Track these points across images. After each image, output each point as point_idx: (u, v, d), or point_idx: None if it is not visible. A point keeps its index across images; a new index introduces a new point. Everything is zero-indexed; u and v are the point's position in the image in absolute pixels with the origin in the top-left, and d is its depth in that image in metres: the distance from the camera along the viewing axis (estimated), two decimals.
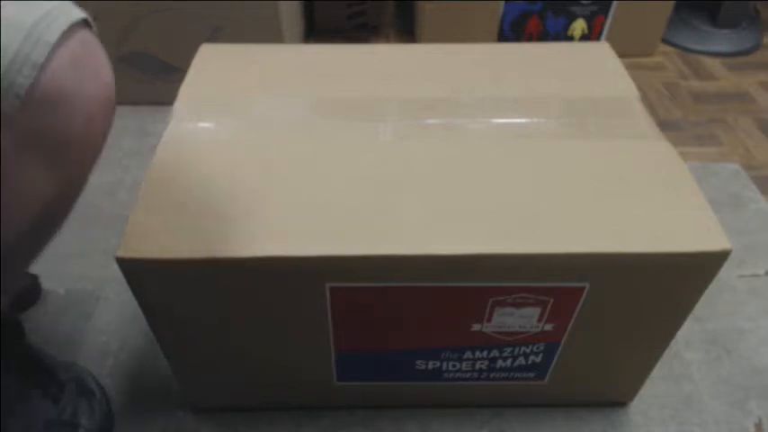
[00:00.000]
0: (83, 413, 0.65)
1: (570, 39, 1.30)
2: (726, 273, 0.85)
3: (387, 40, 1.41)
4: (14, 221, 0.45)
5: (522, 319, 0.57)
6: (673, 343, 0.65)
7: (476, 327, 0.58)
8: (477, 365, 0.63)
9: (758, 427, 0.70)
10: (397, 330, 0.59)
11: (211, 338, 0.60)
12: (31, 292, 0.80)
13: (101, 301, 0.81)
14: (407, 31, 1.42)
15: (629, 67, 0.71)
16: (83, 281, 0.84)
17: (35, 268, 0.69)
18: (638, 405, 0.71)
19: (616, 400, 0.71)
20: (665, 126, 1.15)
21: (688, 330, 0.79)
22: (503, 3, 1.23)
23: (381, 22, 1.44)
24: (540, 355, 0.62)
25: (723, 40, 1.39)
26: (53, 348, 0.71)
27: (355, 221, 0.52)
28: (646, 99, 1.18)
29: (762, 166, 1.08)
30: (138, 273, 0.52)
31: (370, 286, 0.53)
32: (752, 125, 1.18)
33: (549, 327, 0.58)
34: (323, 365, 0.63)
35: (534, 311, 0.56)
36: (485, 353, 0.62)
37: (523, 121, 0.63)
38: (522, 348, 0.61)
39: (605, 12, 1.26)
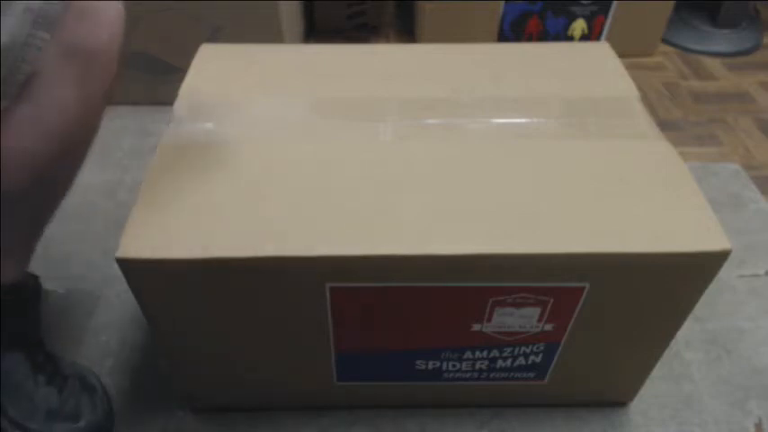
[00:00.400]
0: (85, 407, 0.65)
1: (570, 39, 1.30)
2: (726, 273, 0.85)
3: (387, 40, 1.41)
4: (44, 144, 0.50)
5: (522, 319, 0.57)
6: (673, 343, 0.65)
7: (476, 327, 0.58)
8: (477, 365, 0.63)
9: (758, 427, 0.70)
10: (397, 330, 0.59)
11: (211, 338, 0.60)
12: (32, 293, 0.80)
13: (101, 301, 0.81)
14: (407, 31, 1.42)
15: (629, 67, 0.71)
16: (83, 281, 0.84)
17: (35, 268, 0.69)
18: (638, 405, 0.71)
19: (616, 400, 0.71)
20: (665, 126, 1.15)
21: (688, 330, 0.79)
22: (503, 3, 1.23)
23: (381, 22, 1.44)
24: (540, 355, 0.62)
25: (723, 40, 1.39)
26: (54, 348, 0.71)
27: (355, 221, 0.52)
28: (646, 99, 1.18)
29: (762, 166, 1.08)
30: (138, 273, 0.52)
31: (370, 286, 0.53)
32: (752, 125, 1.18)
33: (549, 327, 0.58)
34: (323, 365, 0.63)
35: (534, 311, 0.56)
36: (485, 353, 0.62)
37: (523, 121, 0.63)
38: (522, 348, 0.61)
39: (605, 12, 1.26)
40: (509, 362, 0.63)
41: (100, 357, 0.75)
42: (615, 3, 1.25)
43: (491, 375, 0.65)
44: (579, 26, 1.28)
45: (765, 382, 0.74)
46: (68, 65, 0.49)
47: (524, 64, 0.71)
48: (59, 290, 0.82)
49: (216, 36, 1.06)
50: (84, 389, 0.67)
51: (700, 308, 0.60)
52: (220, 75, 0.68)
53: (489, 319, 0.57)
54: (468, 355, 0.62)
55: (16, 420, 0.62)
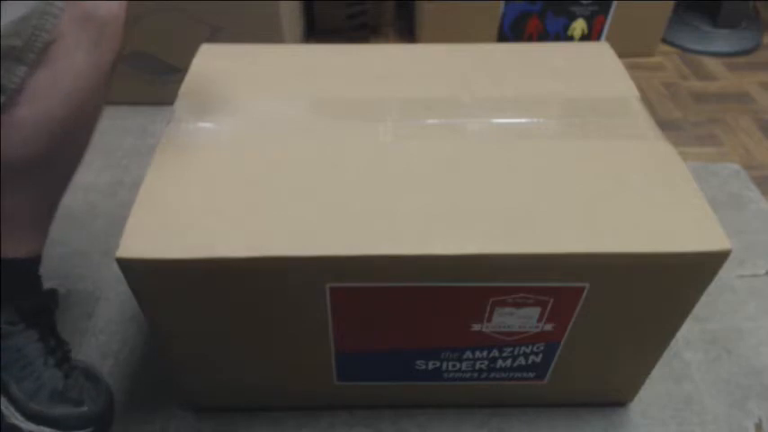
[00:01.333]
0: (88, 396, 0.66)
1: (570, 39, 1.30)
2: (726, 273, 0.85)
3: (387, 40, 1.41)
4: (61, 109, 0.54)
5: (522, 319, 0.57)
6: (673, 343, 0.65)
7: (476, 327, 0.58)
8: (477, 365, 0.63)
9: (758, 427, 0.70)
10: (397, 330, 0.59)
11: (211, 338, 0.60)
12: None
13: (101, 301, 0.81)
14: (407, 31, 1.42)
15: (629, 67, 0.71)
16: (83, 281, 0.84)
17: None
18: (638, 405, 0.71)
19: (616, 400, 0.71)
20: (665, 126, 1.14)
21: (688, 330, 0.79)
22: (503, 3, 1.23)
23: (381, 22, 1.44)
24: (540, 355, 0.62)
25: (723, 40, 1.39)
26: None
27: (355, 221, 0.52)
28: (646, 99, 1.18)
29: (762, 166, 1.08)
30: (138, 273, 0.52)
31: (370, 286, 0.53)
32: (752, 125, 1.18)
33: (548, 327, 0.58)
34: (323, 365, 0.63)
35: (534, 311, 0.56)
36: (485, 353, 0.62)
37: (523, 121, 0.63)
38: (522, 348, 0.61)
39: (605, 12, 1.26)
40: (509, 362, 0.63)
41: (100, 357, 0.75)
42: (615, 3, 1.25)
43: (491, 375, 0.65)
44: (579, 26, 1.28)
45: (765, 382, 0.74)
46: (83, 32, 0.53)
47: (524, 64, 0.71)
48: (59, 290, 0.82)
49: (216, 36, 1.06)
50: (88, 379, 0.68)
51: (700, 308, 0.60)
52: (220, 75, 0.68)
53: (489, 319, 0.57)
54: (468, 355, 0.62)
55: (18, 398, 0.62)
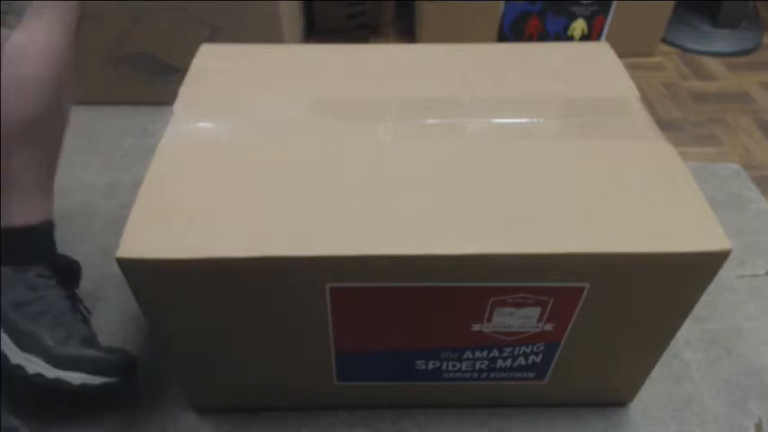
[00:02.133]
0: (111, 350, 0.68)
1: (570, 39, 1.30)
2: (726, 273, 0.85)
3: (387, 40, 1.41)
4: (48, 70, 0.61)
5: (522, 319, 0.57)
6: (673, 343, 0.66)
7: (476, 327, 0.58)
8: (477, 365, 0.63)
9: (758, 427, 0.70)
10: (397, 330, 0.59)
11: (211, 339, 0.60)
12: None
13: (101, 301, 0.81)
14: (407, 31, 1.42)
15: (629, 67, 0.71)
16: (83, 281, 0.83)
17: None
18: (638, 405, 0.71)
19: (616, 400, 0.71)
20: (665, 126, 1.14)
21: (688, 330, 0.79)
22: (503, 3, 1.23)
23: (381, 22, 1.44)
24: (540, 355, 0.62)
25: (723, 40, 1.39)
26: None
27: (355, 221, 0.52)
28: (646, 99, 1.18)
29: (762, 166, 1.08)
30: (138, 273, 0.52)
31: (370, 286, 0.53)
32: (752, 125, 1.18)
33: (548, 327, 0.58)
34: (323, 365, 0.63)
35: (534, 311, 0.56)
36: (485, 353, 0.62)
37: (523, 121, 0.63)
38: (522, 348, 0.61)
39: (605, 12, 1.26)
40: (509, 362, 0.63)
41: None
42: (615, 3, 1.25)
43: (491, 375, 0.65)
44: (579, 26, 1.28)
45: (765, 382, 0.74)
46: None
47: (524, 64, 0.71)
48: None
49: (216, 36, 1.06)
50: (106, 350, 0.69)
51: (700, 308, 0.60)
52: (220, 75, 0.68)
53: (489, 319, 0.57)
54: (468, 355, 0.62)
55: (47, 347, 0.62)
